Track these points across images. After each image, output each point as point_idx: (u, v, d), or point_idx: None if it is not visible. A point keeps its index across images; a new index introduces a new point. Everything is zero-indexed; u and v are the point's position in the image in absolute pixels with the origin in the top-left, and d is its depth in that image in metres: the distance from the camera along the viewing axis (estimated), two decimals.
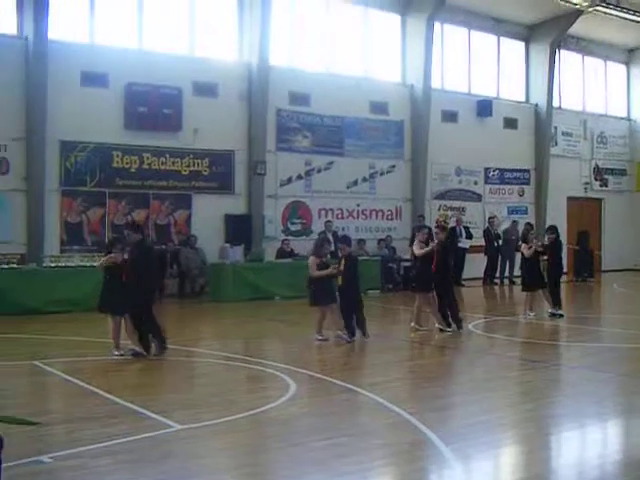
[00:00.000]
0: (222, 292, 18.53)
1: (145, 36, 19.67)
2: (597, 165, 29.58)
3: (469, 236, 23.68)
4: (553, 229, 16.13)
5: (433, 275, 13.21)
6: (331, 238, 20.26)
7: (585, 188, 29.23)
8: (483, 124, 25.81)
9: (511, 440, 7.20)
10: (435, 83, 24.51)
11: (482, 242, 24.07)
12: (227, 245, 19.35)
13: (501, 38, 26.89)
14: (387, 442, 6.87)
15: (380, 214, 23.56)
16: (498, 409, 8.16)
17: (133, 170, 19.23)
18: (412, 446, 6.66)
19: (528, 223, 18.14)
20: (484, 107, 25.69)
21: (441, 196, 25.07)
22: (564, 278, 25.47)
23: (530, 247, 15.47)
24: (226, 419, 7.44)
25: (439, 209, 24.91)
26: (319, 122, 22.26)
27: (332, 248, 18.50)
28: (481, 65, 26.38)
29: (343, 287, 12.41)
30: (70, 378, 9.42)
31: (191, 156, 20.02)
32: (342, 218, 22.65)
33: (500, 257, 23.94)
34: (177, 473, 6.02)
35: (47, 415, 7.68)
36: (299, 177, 21.95)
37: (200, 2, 20.45)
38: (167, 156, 19.68)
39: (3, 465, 4.63)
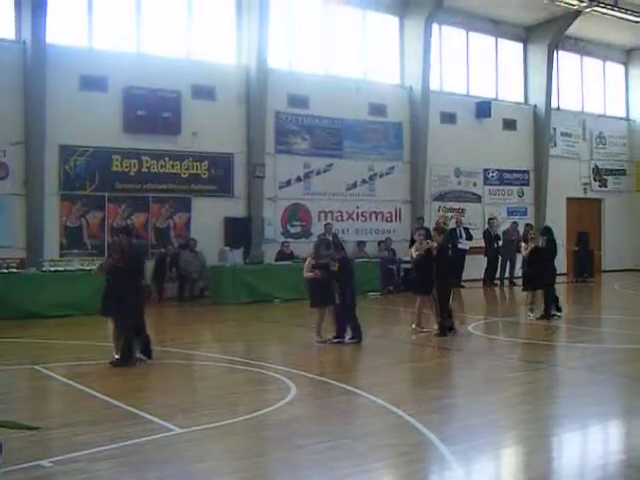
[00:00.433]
0: (222, 295, 18.53)
1: (143, 40, 19.67)
2: (596, 165, 29.58)
3: (469, 237, 23.66)
4: (547, 231, 16.08)
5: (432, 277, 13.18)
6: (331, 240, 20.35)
7: (584, 189, 29.23)
8: (482, 125, 25.81)
9: (512, 441, 7.20)
10: (434, 85, 24.52)
11: (482, 243, 24.05)
12: (227, 248, 19.34)
13: (499, 39, 26.89)
14: (388, 444, 6.86)
15: (380, 216, 23.55)
16: (499, 410, 8.16)
17: (132, 174, 19.23)
18: (413, 447, 6.66)
19: (528, 224, 18.15)
20: (483, 108, 25.70)
21: (440, 197, 25.07)
22: (564, 279, 25.63)
23: (526, 248, 15.52)
24: (227, 422, 7.44)
25: (438, 210, 24.90)
26: (318, 124, 22.26)
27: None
28: (479, 66, 26.37)
29: (344, 289, 12.38)
30: (70, 382, 9.42)
31: (190, 159, 20.01)
32: (342, 220, 22.65)
33: (500, 258, 23.92)
34: (178, 476, 6.02)
35: (47, 419, 7.69)
36: (298, 179, 21.95)
37: (198, 5, 20.46)
38: (166, 159, 19.68)
39: (3, 470, 4.62)
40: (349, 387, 9.01)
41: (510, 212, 26.56)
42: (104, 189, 18.81)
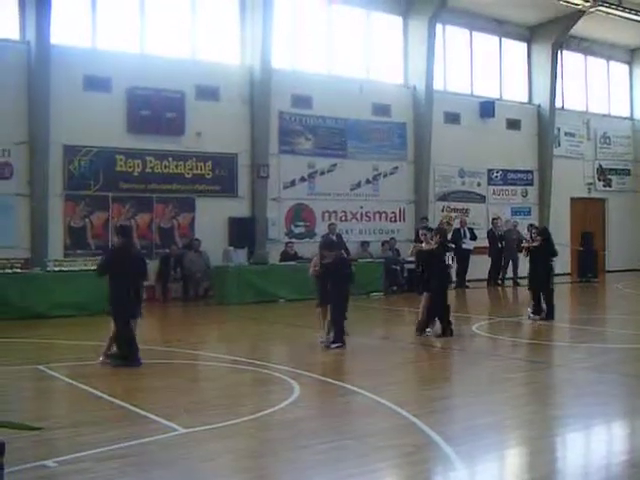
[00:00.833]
0: (226, 295, 18.53)
1: (147, 40, 19.69)
2: (600, 165, 29.54)
3: (473, 237, 23.66)
4: (541, 232, 16.01)
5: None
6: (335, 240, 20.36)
7: (589, 188, 29.19)
8: (486, 125, 25.79)
9: (516, 441, 7.19)
10: (437, 85, 24.50)
11: (486, 243, 24.04)
12: (231, 248, 19.35)
13: (503, 39, 26.88)
14: (391, 444, 6.86)
15: (384, 216, 23.55)
16: (502, 410, 8.15)
17: (136, 174, 19.25)
18: (417, 448, 6.66)
19: (531, 224, 18.11)
20: (487, 108, 25.69)
21: (444, 197, 25.06)
22: (567, 279, 25.62)
23: (522, 248, 15.60)
24: (231, 422, 7.43)
25: (442, 210, 24.90)
26: (322, 124, 22.27)
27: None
28: (483, 66, 26.36)
29: (334, 290, 12.32)
30: (74, 382, 9.42)
31: (194, 159, 20.03)
32: (346, 220, 22.65)
33: (504, 258, 23.88)
34: (182, 476, 6.03)
35: (51, 419, 7.69)
36: (302, 179, 21.96)
37: (202, 6, 20.47)
38: (170, 159, 19.70)
39: (7, 470, 4.62)
40: (353, 387, 9.01)
41: (514, 212, 26.53)
42: (108, 189, 18.83)
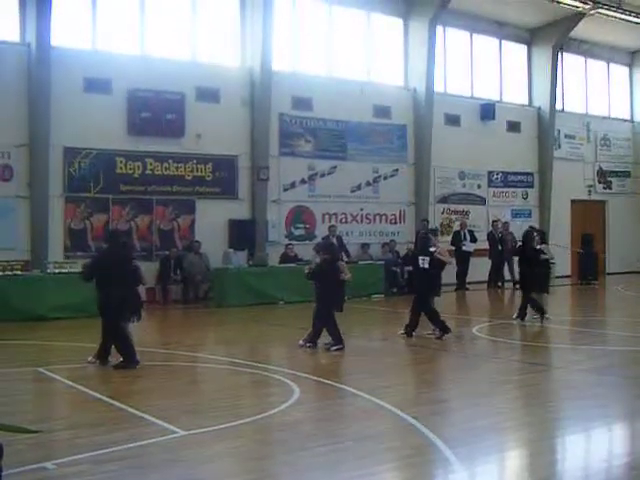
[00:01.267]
0: (226, 297, 18.52)
1: (147, 42, 19.70)
2: (601, 167, 29.54)
3: (473, 240, 23.67)
4: (525, 235, 15.95)
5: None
6: (335, 242, 20.34)
7: (589, 191, 29.20)
8: (486, 127, 25.79)
9: (516, 444, 7.18)
10: (438, 87, 24.50)
11: (486, 245, 24.03)
12: (231, 250, 19.35)
13: (503, 41, 26.89)
14: (391, 446, 6.85)
15: (384, 218, 23.55)
16: (502, 412, 8.14)
17: (136, 176, 19.25)
18: (416, 450, 6.65)
19: (531, 226, 18.11)
20: (487, 110, 25.70)
21: (445, 200, 25.05)
22: (568, 281, 25.61)
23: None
24: (230, 424, 7.43)
25: (443, 213, 24.91)
26: (322, 126, 22.27)
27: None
28: (484, 68, 26.37)
29: (320, 293, 12.32)
30: (74, 384, 9.42)
31: (194, 161, 20.03)
32: (346, 222, 22.65)
33: (504, 260, 23.85)
34: (182, 479, 6.02)
35: (51, 421, 7.70)
36: (302, 182, 21.95)
37: (202, 7, 20.48)
38: (170, 162, 19.70)
39: (6, 472, 4.61)
40: (352, 389, 9.00)
41: (514, 214, 26.54)
42: (108, 191, 18.83)
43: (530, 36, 27.38)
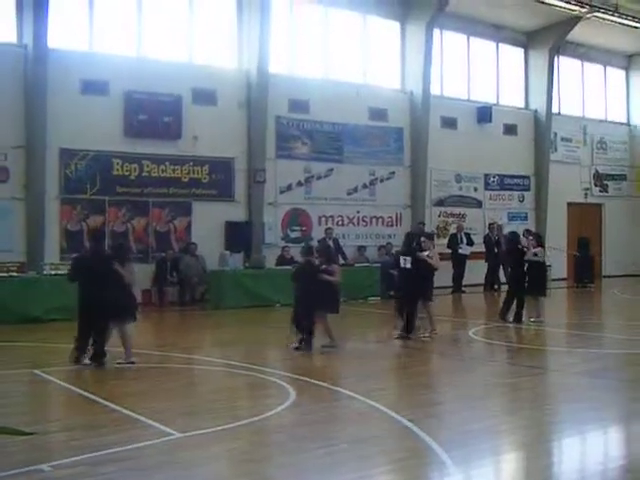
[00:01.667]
0: (222, 299, 18.50)
1: (144, 44, 19.67)
2: (597, 171, 29.57)
3: (470, 243, 23.68)
4: (508, 237, 16.04)
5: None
6: (332, 245, 20.34)
7: (585, 194, 29.22)
8: (483, 130, 25.81)
9: (511, 447, 7.19)
10: (434, 89, 24.51)
11: (483, 248, 24.03)
12: (227, 252, 19.32)
13: (500, 44, 26.91)
14: (387, 449, 6.86)
15: (380, 221, 23.55)
16: (498, 415, 8.15)
17: (133, 178, 19.23)
18: (412, 453, 6.65)
19: (527, 230, 18.15)
20: (484, 113, 25.70)
21: (441, 202, 25.05)
22: (564, 284, 25.63)
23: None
24: (226, 427, 7.43)
25: (439, 216, 24.90)
26: (319, 129, 22.26)
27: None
28: (480, 71, 26.39)
29: (299, 296, 12.38)
30: (70, 386, 9.43)
31: (191, 163, 20.01)
32: (342, 225, 22.64)
33: (501, 263, 23.85)
34: None
35: (46, 423, 7.69)
36: (299, 184, 21.94)
37: (199, 9, 20.48)
38: (167, 164, 19.68)
39: (1, 474, 4.61)
40: (348, 392, 9.00)
41: (511, 217, 26.55)
42: (105, 193, 18.81)
43: (527, 39, 27.41)
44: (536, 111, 27.38)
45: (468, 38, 25.99)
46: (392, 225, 23.73)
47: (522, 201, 27.17)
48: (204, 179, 20.24)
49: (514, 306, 15.49)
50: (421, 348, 12.72)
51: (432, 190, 24.72)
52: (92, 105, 18.53)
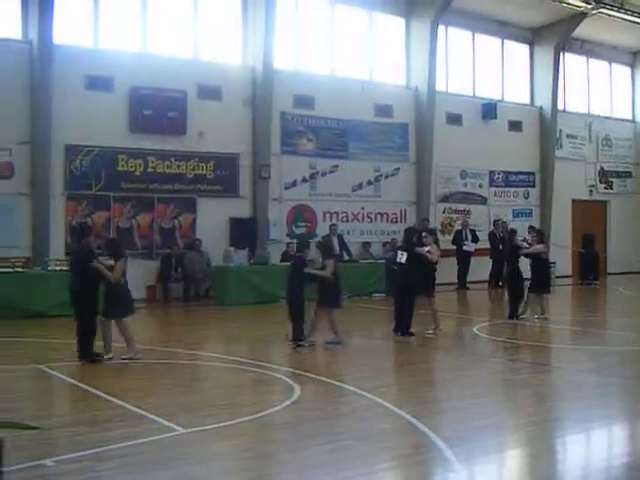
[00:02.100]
0: (227, 295, 18.52)
1: (149, 40, 19.68)
2: (602, 167, 29.51)
3: (475, 239, 23.67)
4: (507, 234, 16.13)
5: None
6: (336, 241, 20.37)
7: (590, 190, 29.18)
8: (488, 127, 25.77)
9: (515, 444, 7.19)
10: (439, 86, 24.49)
11: (488, 245, 24.01)
12: (232, 248, 19.32)
13: (505, 41, 26.86)
14: (391, 445, 6.86)
15: (385, 217, 23.53)
16: (502, 412, 8.15)
17: (138, 174, 19.24)
18: (416, 449, 6.65)
19: (531, 226, 18.17)
20: (489, 110, 25.67)
21: (446, 199, 25.03)
22: (569, 281, 25.60)
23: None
24: (231, 422, 7.43)
25: (444, 212, 24.89)
26: (324, 125, 22.25)
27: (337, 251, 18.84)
28: (486, 68, 26.35)
29: (289, 291, 12.49)
30: (74, 382, 9.44)
31: (196, 159, 20.02)
32: (347, 221, 22.63)
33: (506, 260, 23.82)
34: (181, 476, 6.02)
35: (51, 419, 7.70)
36: (304, 180, 21.94)
37: (204, 5, 20.47)
38: (172, 159, 19.69)
39: (6, 469, 4.61)
40: (353, 388, 9.00)
41: (516, 214, 26.51)
42: (110, 189, 18.82)
43: (532, 36, 27.36)
44: (541, 108, 27.33)
45: (473, 34, 25.95)
46: (397, 221, 23.69)
47: (527, 198, 27.13)
48: (209, 175, 20.24)
49: (524, 300, 15.57)
50: (425, 345, 12.71)
51: (437, 186, 24.70)
52: (97, 101, 18.54)
